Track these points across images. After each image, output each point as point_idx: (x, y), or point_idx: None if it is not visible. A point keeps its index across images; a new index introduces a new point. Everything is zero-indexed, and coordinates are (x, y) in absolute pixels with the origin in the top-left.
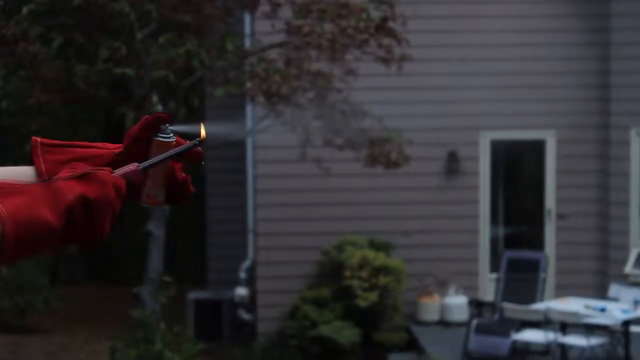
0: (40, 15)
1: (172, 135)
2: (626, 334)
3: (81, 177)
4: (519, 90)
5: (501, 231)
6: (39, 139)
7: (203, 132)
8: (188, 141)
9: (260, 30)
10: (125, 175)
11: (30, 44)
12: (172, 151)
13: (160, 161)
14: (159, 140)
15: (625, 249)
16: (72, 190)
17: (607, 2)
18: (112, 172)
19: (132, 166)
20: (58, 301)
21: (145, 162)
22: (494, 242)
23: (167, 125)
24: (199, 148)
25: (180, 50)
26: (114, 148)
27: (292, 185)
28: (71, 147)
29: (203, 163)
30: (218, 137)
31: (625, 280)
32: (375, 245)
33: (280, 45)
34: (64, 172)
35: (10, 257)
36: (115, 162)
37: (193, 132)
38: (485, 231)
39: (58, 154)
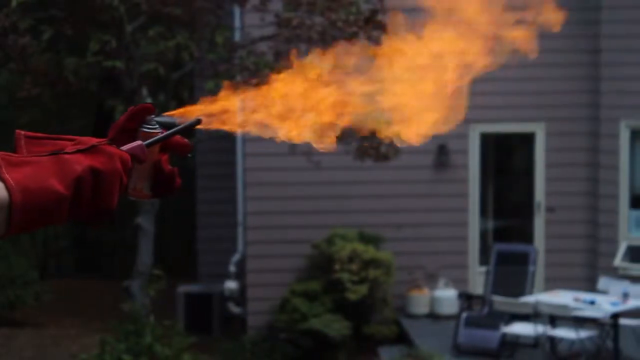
0: (30, 8)
1: (157, 126)
2: (615, 326)
3: (88, 150)
4: (508, 83)
5: (491, 224)
6: (22, 132)
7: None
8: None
9: (250, 23)
10: (130, 151)
11: (20, 36)
12: (175, 129)
13: (163, 137)
14: (145, 131)
15: (614, 241)
16: (80, 162)
17: None
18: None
19: (137, 142)
20: (48, 295)
21: (149, 140)
22: (483, 235)
23: (153, 116)
24: (186, 140)
25: (170, 43)
26: (99, 141)
27: (281, 178)
28: (55, 140)
29: (190, 155)
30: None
31: (615, 273)
32: (365, 238)
33: (269, 38)
34: (70, 148)
35: (19, 227)
36: None
37: (175, 122)
38: (474, 224)
39: (42, 146)
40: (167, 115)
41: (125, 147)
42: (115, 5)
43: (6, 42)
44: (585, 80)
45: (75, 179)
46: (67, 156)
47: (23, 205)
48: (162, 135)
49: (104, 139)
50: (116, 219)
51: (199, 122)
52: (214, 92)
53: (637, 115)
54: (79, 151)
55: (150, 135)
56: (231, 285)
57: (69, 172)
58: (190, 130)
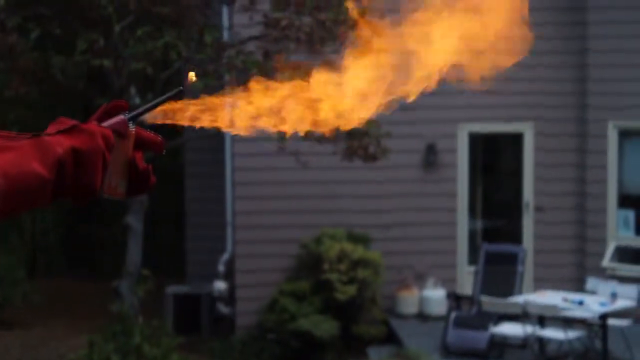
0: (17, 6)
1: (131, 122)
2: (604, 327)
3: (69, 131)
4: (497, 83)
5: (479, 224)
6: None
7: (192, 77)
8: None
9: (238, 22)
10: (112, 126)
11: (7, 34)
12: (158, 99)
13: (146, 110)
14: None
15: (602, 242)
16: (61, 143)
17: None
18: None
19: (119, 117)
20: (37, 294)
21: (132, 113)
22: (472, 235)
23: (126, 112)
24: (159, 137)
25: (158, 42)
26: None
27: (270, 178)
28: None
29: (164, 152)
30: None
31: (603, 274)
32: (354, 238)
33: (258, 38)
34: (51, 129)
35: (3, 212)
36: None
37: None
38: (463, 224)
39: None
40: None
41: (106, 123)
42: (104, 4)
43: None
44: (573, 81)
45: (57, 160)
46: (47, 138)
47: (6, 191)
48: (145, 107)
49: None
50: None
51: (181, 92)
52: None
53: (624, 116)
54: (59, 132)
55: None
56: (220, 285)
57: (50, 154)
58: (173, 99)
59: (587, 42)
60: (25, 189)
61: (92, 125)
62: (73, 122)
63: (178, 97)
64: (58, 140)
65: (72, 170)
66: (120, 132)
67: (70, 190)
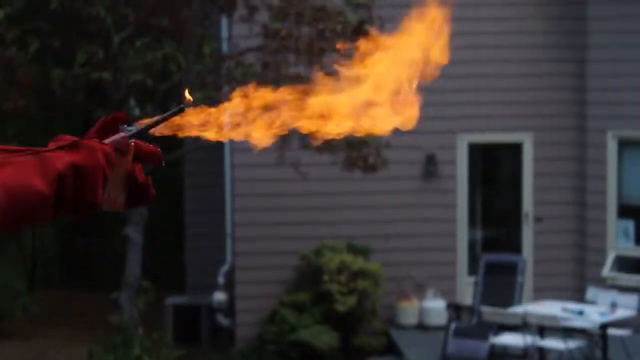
0: (16, 20)
1: (130, 135)
2: (604, 337)
3: (69, 147)
4: (495, 93)
5: (479, 234)
6: None
7: (188, 96)
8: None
9: (237, 33)
10: (113, 143)
11: (6, 48)
12: (159, 117)
13: (148, 127)
14: None
15: (602, 251)
16: (61, 159)
17: (583, 4)
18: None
19: (120, 134)
20: (36, 306)
21: (132, 129)
22: (471, 245)
23: (125, 125)
24: (158, 149)
25: (157, 54)
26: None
27: (270, 189)
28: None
29: (163, 164)
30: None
31: (603, 283)
32: (354, 249)
33: (257, 49)
34: (51, 145)
35: (3, 226)
36: None
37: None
38: (463, 234)
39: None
40: (141, 124)
41: (107, 140)
42: (103, 16)
43: None
44: (572, 91)
45: (57, 176)
46: (48, 154)
47: (6, 206)
48: (145, 125)
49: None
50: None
51: (181, 109)
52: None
53: (624, 125)
54: (59, 148)
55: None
56: (220, 296)
57: (51, 170)
58: (174, 115)
59: (586, 52)
60: (26, 204)
61: (93, 141)
62: (73, 138)
63: (179, 113)
64: (58, 156)
65: (72, 186)
66: (121, 149)
67: (70, 205)
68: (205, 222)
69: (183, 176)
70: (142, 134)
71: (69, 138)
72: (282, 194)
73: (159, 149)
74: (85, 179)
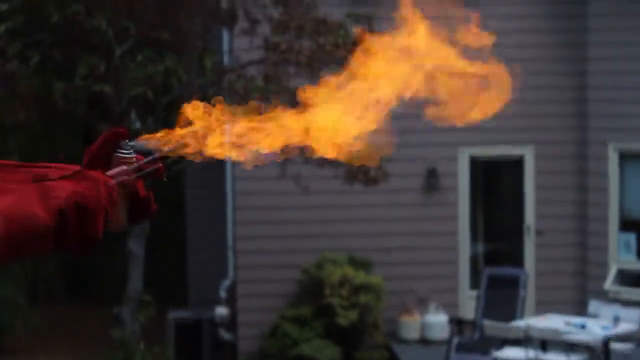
0: (17, 33)
1: (131, 150)
2: (606, 351)
3: (72, 177)
4: None
5: (481, 248)
6: None
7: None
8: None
9: (238, 46)
10: (115, 176)
11: (7, 61)
12: (159, 153)
13: (147, 162)
14: (119, 156)
15: (604, 265)
16: (64, 189)
17: (584, 17)
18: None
19: (122, 168)
20: (37, 320)
21: (133, 165)
22: (473, 258)
23: (127, 141)
24: (160, 164)
25: (158, 67)
26: (73, 168)
27: (271, 202)
28: (29, 167)
29: (165, 179)
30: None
31: (605, 297)
32: (355, 263)
33: (258, 62)
34: (54, 173)
35: (3, 255)
36: None
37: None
38: (464, 248)
39: (16, 174)
40: (141, 140)
41: (110, 172)
42: (104, 29)
43: None
44: (573, 103)
45: (59, 206)
46: (50, 183)
47: (6, 235)
48: (147, 159)
49: (77, 166)
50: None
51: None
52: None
53: (625, 138)
54: (62, 178)
55: (125, 160)
56: (222, 311)
57: (52, 200)
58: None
59: (587, 64)
60: (26, 233)
61: (96, 172)
62: (76, 167)
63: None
64: (61, 186)
65: (74, 218)
66: (122, 181)
67: (71, 239)
68: (207, 236)
69: (184, 189)
70: (145, 171)
71: (72, 167)
72: (283, 207)
73: (160, 164)
74: (87, 211)
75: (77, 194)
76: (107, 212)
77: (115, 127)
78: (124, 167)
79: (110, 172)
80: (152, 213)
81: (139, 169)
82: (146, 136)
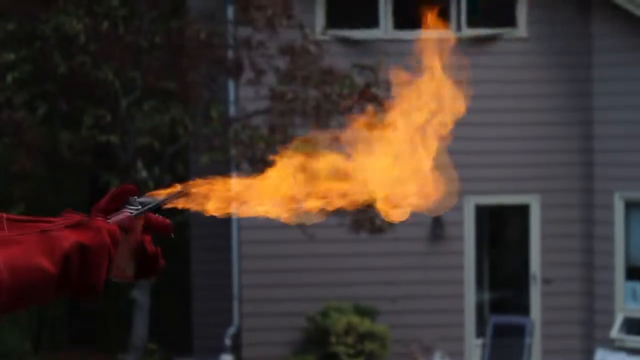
0: (24, 83)
1: (140, 207)
2: None
3: (76, 226)
4: (502, 155)
5: (487, 296)
6: (4, 215)
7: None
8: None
9: (244, 96)
10: (118, 223)
11: (14, 111)
12: (163, 198)
13: (150, 208)
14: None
15: (610, 313)
16: (67, 238)
17: (589, 67)
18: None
19: (125, 214)
20: None
21: (136, 211)
22: (479, 307)
23: (135, 197)
24: (168, 221)
25: (164, 117)
26: (77, 217)
27: (276, 251)
28: (36, 222)
29: (172, 235)
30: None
31: (611, 345)
32: (360, 311)
33: (264, 111)
34: (57, 223)
35: (6, 307)
36: None
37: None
38: (470, 296)
39: (24, 228)
40: (150, 196)
41: (113, 219)
42: (110, 80)
43: (0, 117)
44: (579, 152)
45: (63, 255)
46: (54, 233)
47: (11, 285)
48: (148, 205)
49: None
50: (110, 290)
51: (182, 193)
52: (208, 166)
53: (631, 187)
54: (66, 227)
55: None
56: (227, 359)
57: (56, 249)
58: (177, 198)
59: (592, 113)
60: (31, 284)
61: (99, 221)
62: (79, 216)
63: (181, 196)
64: (64, 235)
65: (78, 266)
66: (125, 228)
67: (74, 286)
68: (212, 284)
69: (189, 238)
70: (146, 212)
71: (75, 216)
72: (288, 255)
73: (168, 221)
74: (90, 259)
75: (81, 242)
76: (110, 258)
77: (123, 183)
78: (127, 214)
79: (112, 219)
80: (160, 269)
81: (142, 213)
82: (156, 192)
